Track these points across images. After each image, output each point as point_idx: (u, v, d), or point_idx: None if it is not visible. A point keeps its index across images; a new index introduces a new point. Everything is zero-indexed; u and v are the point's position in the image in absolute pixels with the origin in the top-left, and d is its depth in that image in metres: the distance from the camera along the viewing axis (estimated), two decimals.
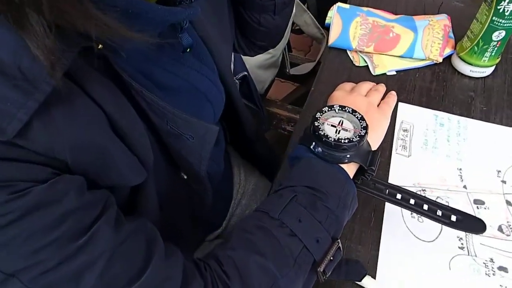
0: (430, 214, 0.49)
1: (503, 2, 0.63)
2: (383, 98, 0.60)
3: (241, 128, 0.67)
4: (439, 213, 0.49)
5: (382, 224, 0.57)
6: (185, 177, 0.49)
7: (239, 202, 0.73)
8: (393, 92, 0.62)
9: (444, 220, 0.49)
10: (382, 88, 0.61)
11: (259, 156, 0.75)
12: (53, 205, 0.30)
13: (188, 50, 0.42)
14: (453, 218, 0.49)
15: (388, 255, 0.54)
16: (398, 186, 0.51)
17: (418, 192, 0.60)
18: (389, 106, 0.59)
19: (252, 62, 1.03)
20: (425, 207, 0.50)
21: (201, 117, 0.43)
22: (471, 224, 0.49)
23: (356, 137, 0.48)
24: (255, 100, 0.93)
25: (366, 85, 0.61)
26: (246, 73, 0.91)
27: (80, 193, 0.32)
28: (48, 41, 0.26)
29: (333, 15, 0.81)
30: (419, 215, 0.51)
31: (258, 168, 0.79)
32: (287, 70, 1.25)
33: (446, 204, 0.59)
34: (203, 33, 0.48)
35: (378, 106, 0.58)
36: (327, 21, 0.82)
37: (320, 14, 1.29)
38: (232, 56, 0.94)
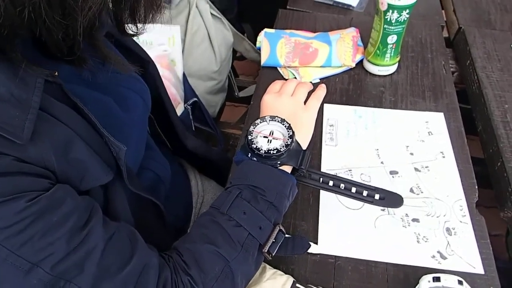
0: (358, 196, 0.58)
1: (388, 13, 0.79)
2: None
3: (170, 119, 0.72)
4: (365, 193, 0.58)
5: (319, 201, 0.68)
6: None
7: (199, 211, 0.82)
8: (323, 85, 0.66)
9: (369, 199, 0.58)
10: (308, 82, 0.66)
11: (213, 166, 0.85)
12: (58, 207, 0.39)
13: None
14: (377, 196, 0.57)
15: (326, 224, 0.65)
16: (329, 174, 0.59)
17: (346, 172, 0.73)
18: (317, 99, 0.63)
19: (201, 88, 1.15)
20: (353, 189, 0.58)
21: (134, 107, 0.54)
22: (392, 200, 0.58)
23: (284, 146, 0.55)
24: (209, 123, 1.04)
25: (292, 84, 0.65)
26: (196, 99, 1.02)
27: (74, 198, 0.41)
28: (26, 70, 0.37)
29: (262, 39, 0.95)
30: (350, 198, 0.59)
31: (214, 179, 0.89)
32: (236, 94, 1.38)
33: (369, 177, 0.72)
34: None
35: (307, 101, 0.62)
36: (257, 44, 0.96)
37: None
38: (182, 83, 1.06)
